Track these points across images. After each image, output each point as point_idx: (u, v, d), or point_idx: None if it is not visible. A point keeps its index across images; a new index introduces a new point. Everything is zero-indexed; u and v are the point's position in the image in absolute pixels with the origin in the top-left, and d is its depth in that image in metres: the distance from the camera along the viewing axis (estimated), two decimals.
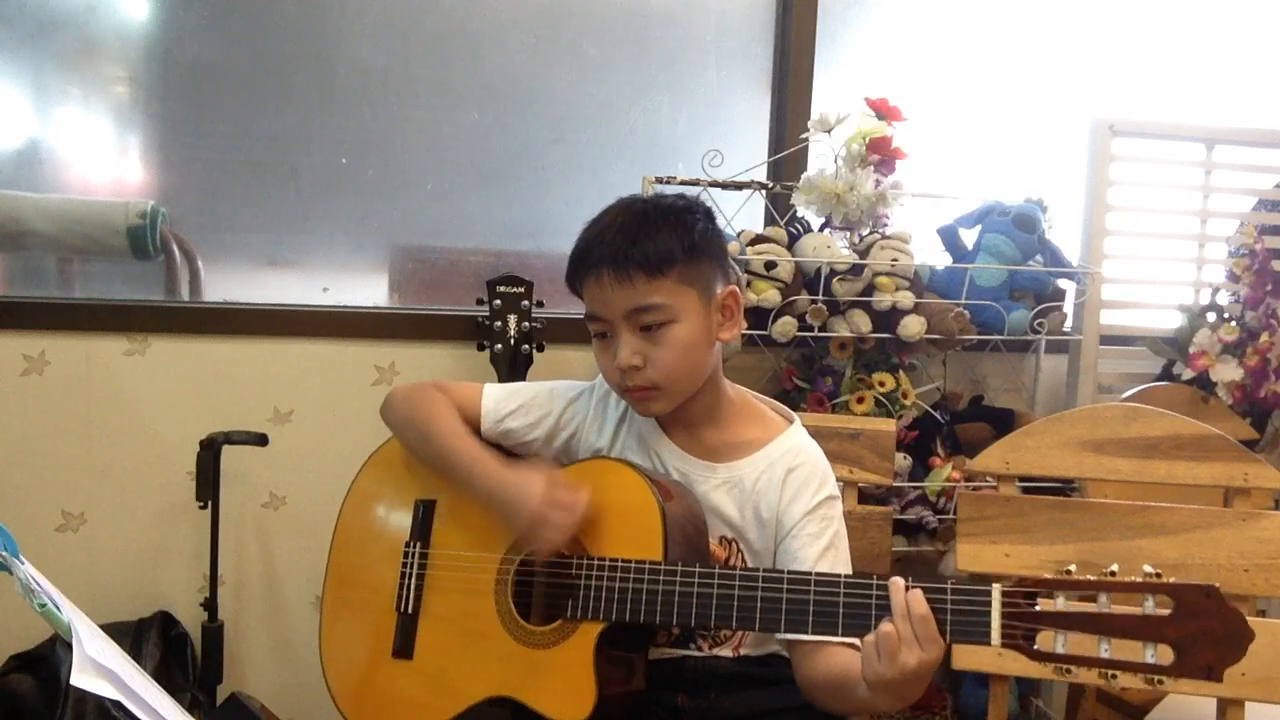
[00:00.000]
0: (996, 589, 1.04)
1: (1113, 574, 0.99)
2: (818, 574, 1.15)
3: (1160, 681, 0.96)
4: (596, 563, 1.22)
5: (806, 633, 1.14)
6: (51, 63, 1.98)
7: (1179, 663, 0.96)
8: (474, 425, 1.39)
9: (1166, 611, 0.97)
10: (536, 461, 1.32)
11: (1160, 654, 0.96)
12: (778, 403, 1.43)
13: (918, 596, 1.04)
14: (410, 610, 1.34)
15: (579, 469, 1.32)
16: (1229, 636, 0.95)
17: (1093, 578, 0.99)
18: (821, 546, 1.29)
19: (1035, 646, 1.01)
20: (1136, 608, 0.98)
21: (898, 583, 1.06)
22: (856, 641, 1.17)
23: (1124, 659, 0.97)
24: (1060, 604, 1.00)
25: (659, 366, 1.25)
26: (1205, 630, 0.95)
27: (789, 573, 1.16)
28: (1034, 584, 1.02)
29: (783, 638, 1.27)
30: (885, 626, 1.04)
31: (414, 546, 1.36)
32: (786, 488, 1.31)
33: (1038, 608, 1.01)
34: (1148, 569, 0.98)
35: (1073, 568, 1.01)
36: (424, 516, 1.37)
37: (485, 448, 1.34)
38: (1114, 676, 0.98)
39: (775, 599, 1.14)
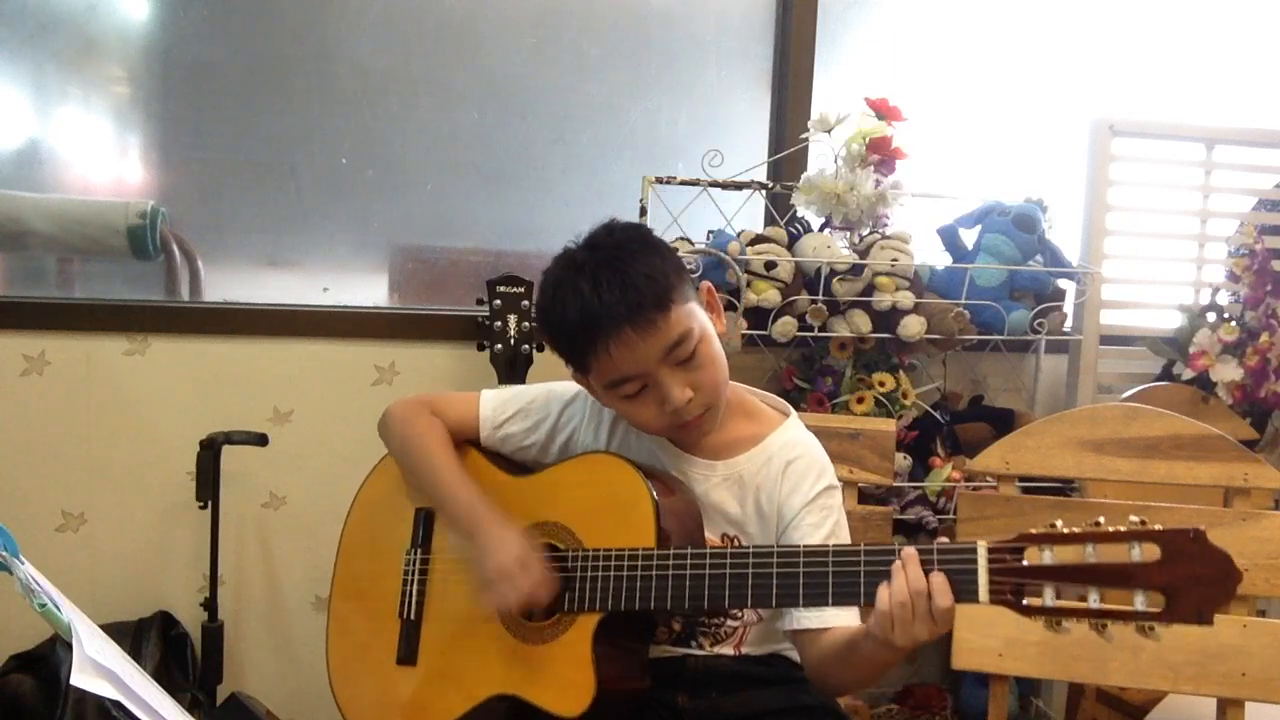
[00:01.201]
0: (982, 545, 1.02)
1: (1098, 524, 0.98)
2: (806, 547, 1.16)
3: (1151, 629, 0.95)
4: (589, 554, 1.22)
5: (798, 605, 1.16)
6: (51, 63, 1.98)
7: (1170, 608, 0.95)
8: (473, 434, 1.39)
9: (1154, 558, 0.96)
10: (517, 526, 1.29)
11: (1150, 600, 0.96)
12: (773, 396, 1.43)
13: (941, 583, 1.03)
14: (413, 617, 1.34)
15: (574, 464, 1.32)
16: (1217, 578, 0.94)
17: (1079, 529, 0.99)
18: (822, 536, 1.29)
19: (1024, 601, 1.00)
20: (1124, 557, 0.97)
21: (910, 552, 1.06)
22: (857, 623, 1.21)
23: (1115, 608, 0.97)
24: (1048, 558, 0.99)
25: (705, 387, 1.24)
26: (1194, 573, 0.95)
27: (778, 548, 1.17)
28: (1020, 539, 1.01)
29: (788, 630, 1.27)
30: (901, 597, 1.04)
31: (415, 554, 1.36)
32: (786, 480, 1.31)
33: (1025, 563, 1.00)
34: (1133, 518, 0.97)
35: (1059, 523, 1.00)
36: (425, 524, 1.37)
37: (473, 486, 1.31)
38: (1104, 627, 0.97)
39: (765, 574, 1.14)
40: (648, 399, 1.23)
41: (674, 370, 1.21)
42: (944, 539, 1.07)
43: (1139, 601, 0.96)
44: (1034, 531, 1.00)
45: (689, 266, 1.67)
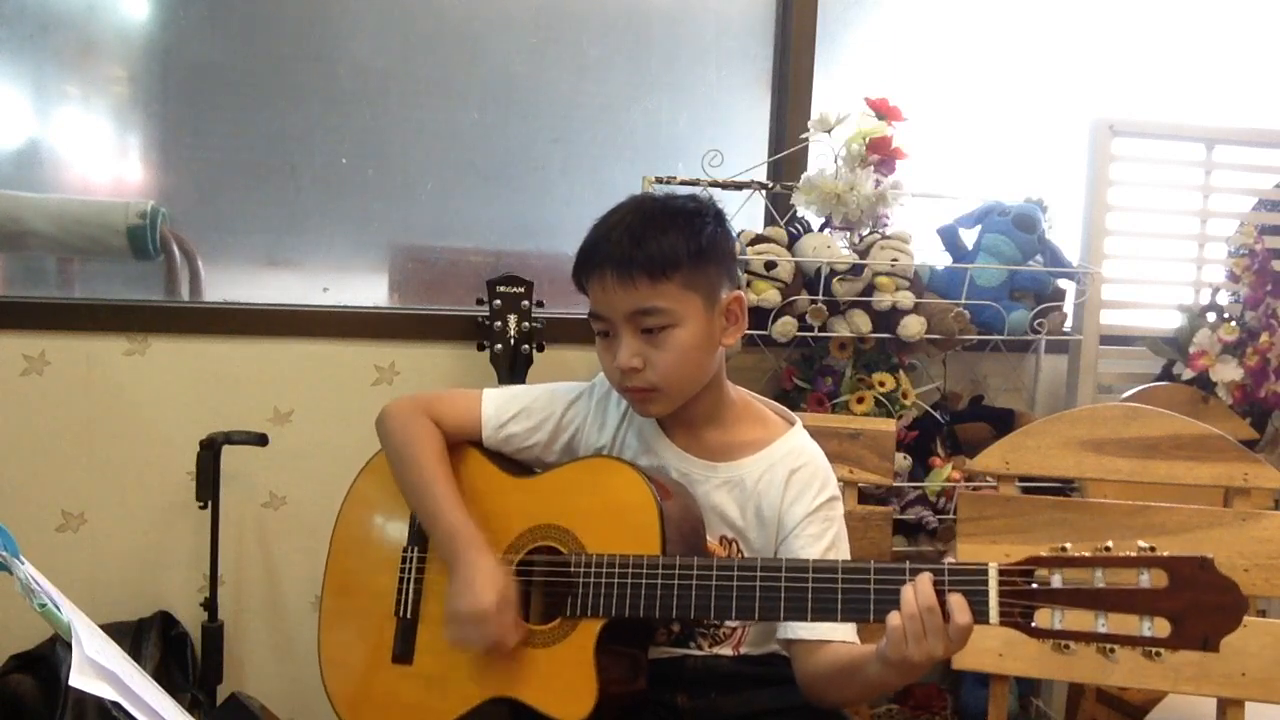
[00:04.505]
0: (993, 567, 1.04)
1: (1108, 549, 1.00)
2: (815, 561, 1.16)
3: (1158, 654, 0.97)
4: (594, 559, 1.22)
5: (806, 620, 1.15)
6: (51, 63, 1.98)
7: (1176, 634, 0.97)
8: (475, 434, 1.38)
9: (1162, 584, 0.97)
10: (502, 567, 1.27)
11: (1157, 626, 0.97)
12: (779, 405, 1.43)
13: (961, 601, 1.04)
14: (409, 615, 1.34)
15: (577, 467, 1.32)
16: (1224, 606, 0.96)
17: (1088, 554, 1.00)
18: (823, 547, 1.29)
19: (1033, 624, 1.02)
20: (1132, 583, 0.98)
21: (925, 578, 1.06)
22: (855, 639, 1.21)
23: (1121, 633, 0.98)
24: (1056, 581, 1.01)
25: (658, 369, 1.25)
26: (1200, 601, 0.96)
27: (786, 561, 1.17)
28: (1030, 562, 1.03)
29: (782, 638, 1.28)
30: (910, 610, 1.04)
31: (412, 551, 1.36)
32: (789, 488, 1.31)
33: (1034, 585, 1.02)
34: (1142, 544, 0.99)
35: (1068, 545, 1.02)
36: None
37: (462, 509, 1.29)
38: (1112, 651, 0.98)
39: (774, 588, 1.15)
40: (610, 347, 1.28)
41: (635, 335, 1.25)
42: (951, 559, 1.08)
43: (1145, 627, 0.97)
44: (1044, 554, 1.02)
45: None
